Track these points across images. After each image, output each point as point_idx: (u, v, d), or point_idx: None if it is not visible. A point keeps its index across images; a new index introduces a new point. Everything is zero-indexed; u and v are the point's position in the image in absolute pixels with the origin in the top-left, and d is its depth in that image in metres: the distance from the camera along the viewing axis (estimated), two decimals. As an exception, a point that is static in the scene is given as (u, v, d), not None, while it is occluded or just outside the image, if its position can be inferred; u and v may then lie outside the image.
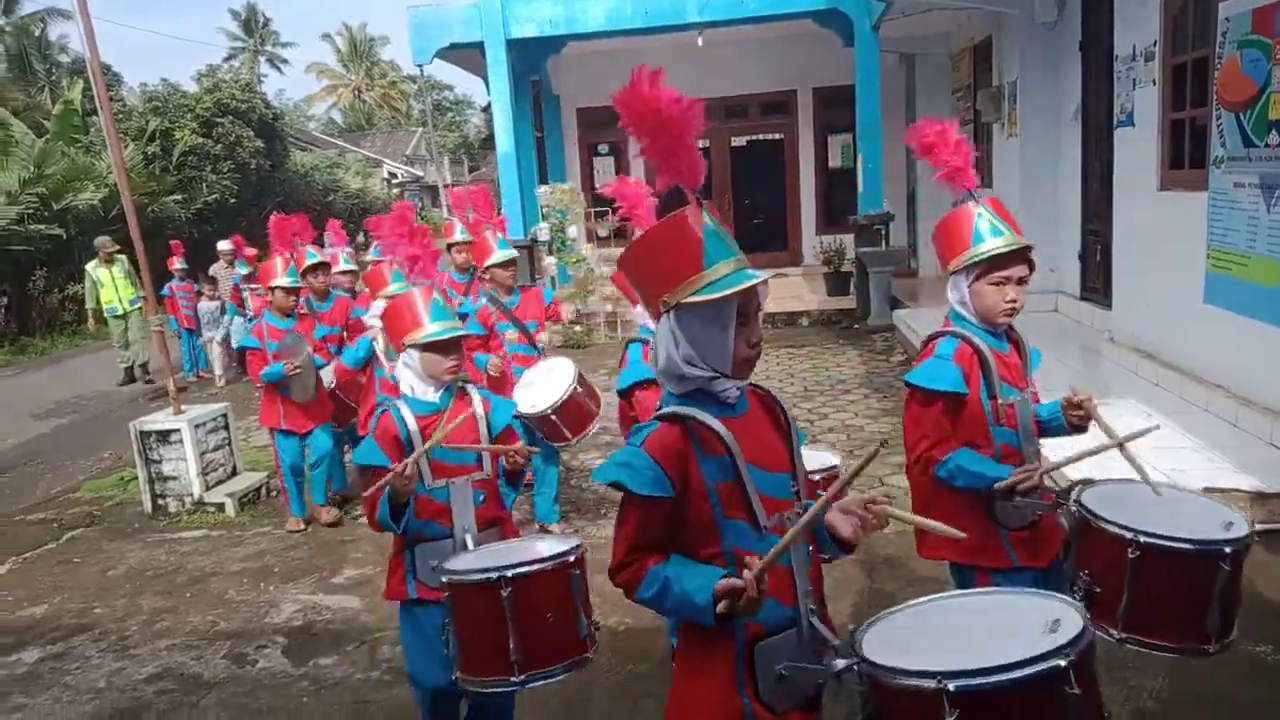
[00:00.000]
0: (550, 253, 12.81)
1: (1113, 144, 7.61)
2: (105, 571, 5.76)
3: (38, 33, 28.83)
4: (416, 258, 3.18)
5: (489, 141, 19.64)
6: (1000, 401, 2.59)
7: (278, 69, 51.01)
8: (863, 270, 11.97)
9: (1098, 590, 2.22)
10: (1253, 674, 3.42)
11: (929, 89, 13.80)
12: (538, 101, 15.42)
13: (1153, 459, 4.08)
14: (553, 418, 4.98)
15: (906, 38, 12.84)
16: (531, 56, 13.62)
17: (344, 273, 7.22)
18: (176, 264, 12.04)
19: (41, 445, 9.55)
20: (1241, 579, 2.16)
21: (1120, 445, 2.34)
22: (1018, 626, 1.72)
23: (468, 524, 2.88)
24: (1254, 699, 3.32)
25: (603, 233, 15.06)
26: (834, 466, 3.42)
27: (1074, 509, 2.35)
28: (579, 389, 5.08)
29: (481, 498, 2.93)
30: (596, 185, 16.43)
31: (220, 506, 6.63)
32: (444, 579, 2.58)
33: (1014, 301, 2.56)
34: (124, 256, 11.83)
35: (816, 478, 2.99)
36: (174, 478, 6.68)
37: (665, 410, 1.85)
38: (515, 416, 4.98)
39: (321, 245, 7.12)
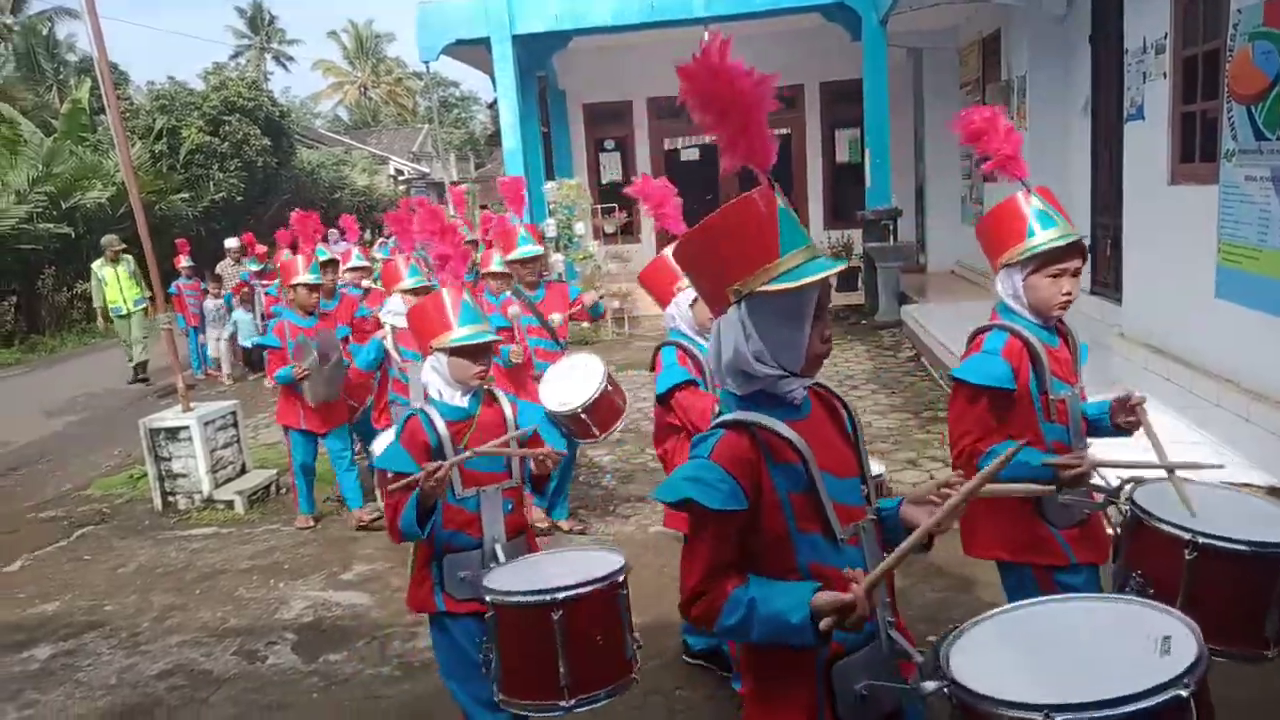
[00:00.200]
0: (557, 249, 12.81)
1: (1123, 137, 7.56)
2: (116, 569, 5.78)
3: (45, 32, 28.90)
4: (446, 257, 2.99)
5: (495, 138, 19.64)
6: (1051, 397, 2.53)
7: (284, 66, 51.06)
8: (871, 265, 11.94)
9: (1151, 591, 2.17)
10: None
11: (937, 83, 13.74)
12: (544, 97, 15.40)
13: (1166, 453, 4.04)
14: (583, 416, 4.91)
15: (914, 32, 12.79)
16: (537, 52, 13.60)
17: (354, 269, 7.22)
18: (183, 262, 12.08)
19: (52, 443, 9.59)
20: None
21: (1170, 472, 2.28)
22: (1121, 643, 1.58)
23: (497, 534, 2.79)
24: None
25: (609, 229, 15.06)
26: (879, 475, 3.21)
27: (1126, 507, 2.28)
28: (609, 386, 5.04)
29: (510, 506, 2.85)
30: (603, 181, 16.45)
31: (230, 504, 6.65)
32: (488, 599, 2.49)
33: (1069, 294, 2.50)
34: (130, 256, 11.85)
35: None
36: (184, 475, 6.70)
37: (728, 417, 1.72)
38: (545, 415, 4.96)
39: (327, 241, 7.12)
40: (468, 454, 2.68)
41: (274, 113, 24.22)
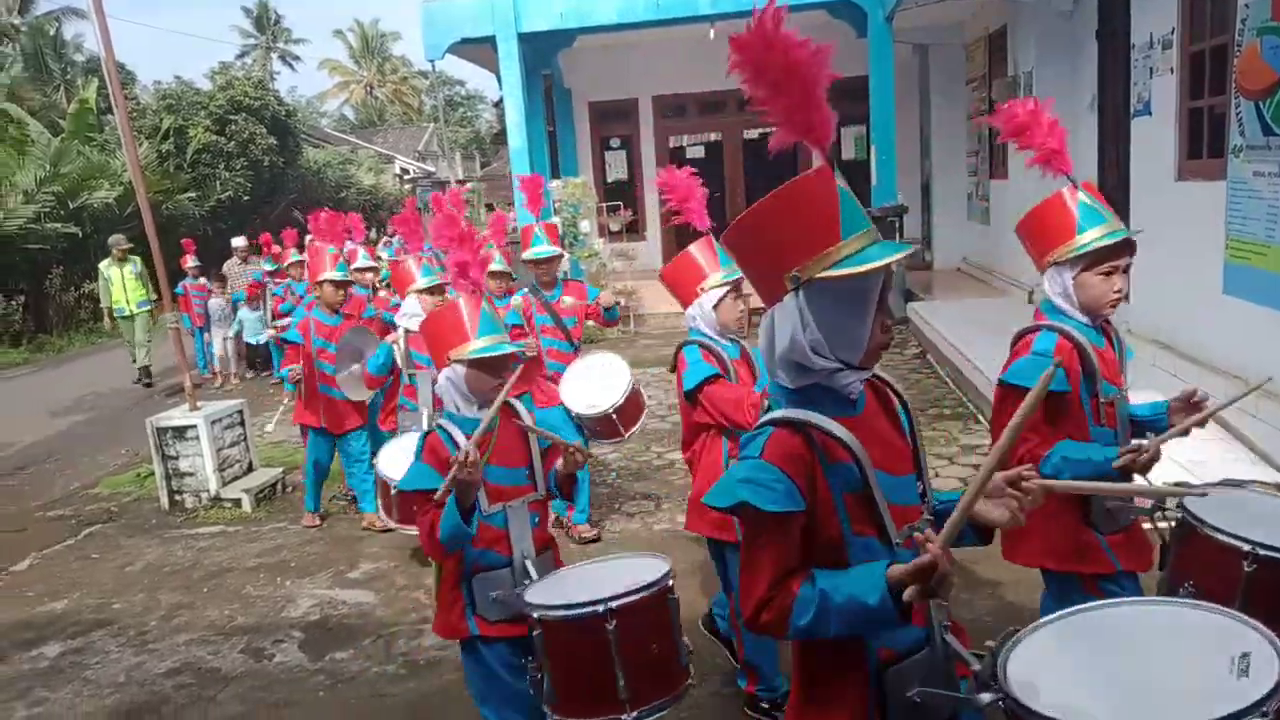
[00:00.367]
0: (562, 247, 12.80)
1: (1130, 133, 7.53)
2: (123, 567, 5.80)
3: (53, 32, 29.02)
4: (465, 264, 2.79)
5: (501, 136, 19.66)
6: (1101, 400, 2.44)
7: (290, 66, 51.10)
8: (876, 263, 11.89)
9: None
10: None
11: (943, 80, 13.71)
12: (549, 95, 15.40)
13: (1172, 451, 4.04)
14: (613, 416, 4.89)
15: (920, 28, 12.75)
16: (543, 50, 13.60)
17: (362, 269, 7.22)
18: (190, 262, 12.10)
19: (59, 442, 9.63)
20: None
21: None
22: (1191, 657, 1.47)
23: (527, 549, 2.67)
24: None
25: (614, 227, 15.05)
26: None
27: (1178, 514, 2.19)
28: (635, 385, 5.00)
29: (536, 519, 2.73)
30: (608, 179, 16.44)
31: (236, 502, 6.67)
32: (535, 615, 2.40)
33: (1120, 291, 2.44)
34: (136, 257, 11.89)
35: None
36: (190, 474, 6.72)
37: (778, 414, 1.62)
38: (573, 417, 4.93)
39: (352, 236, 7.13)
40: (493, 424, 2.54)
41: (280, 112, 24.26)
